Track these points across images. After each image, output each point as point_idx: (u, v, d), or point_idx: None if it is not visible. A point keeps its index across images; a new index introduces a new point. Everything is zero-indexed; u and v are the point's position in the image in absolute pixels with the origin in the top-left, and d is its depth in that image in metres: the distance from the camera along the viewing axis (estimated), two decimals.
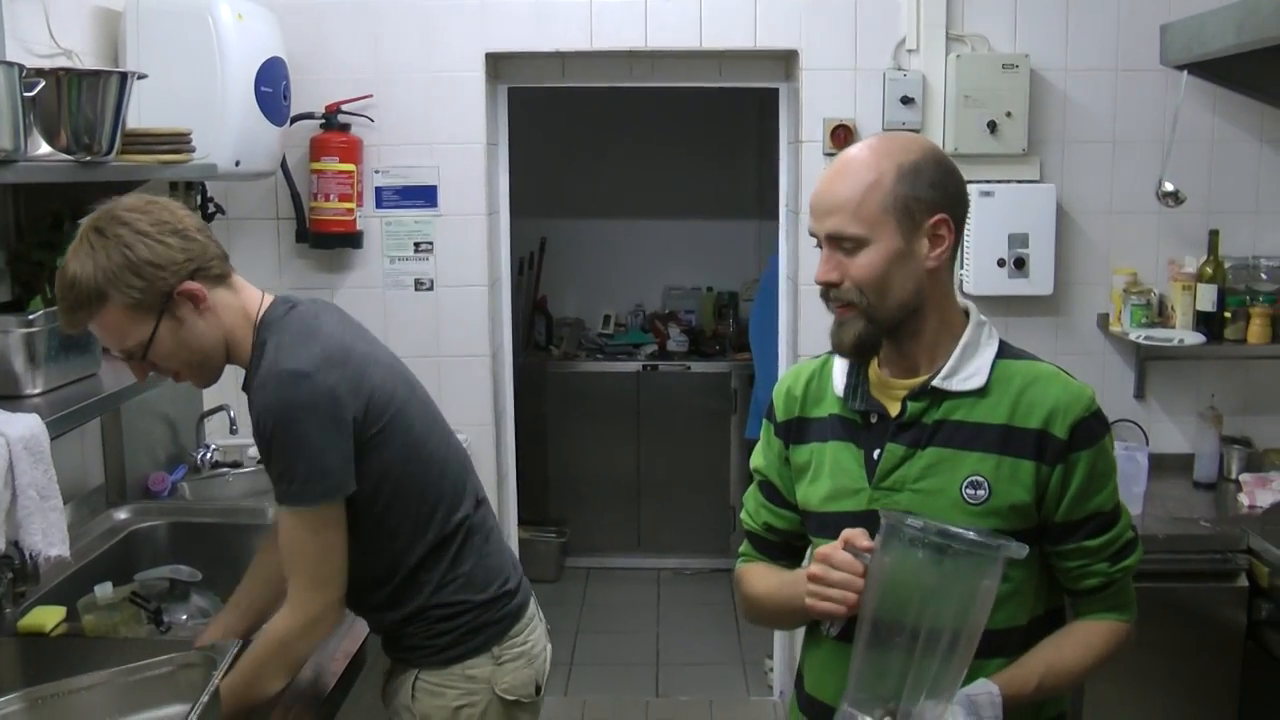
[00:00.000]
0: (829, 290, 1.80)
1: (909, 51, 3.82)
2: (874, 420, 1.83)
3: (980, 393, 1.80)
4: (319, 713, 2.15)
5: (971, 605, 1.63)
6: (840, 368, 1.92)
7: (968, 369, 1.82)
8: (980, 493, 1.76)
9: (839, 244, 1.77)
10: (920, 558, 1.62)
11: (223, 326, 2.05)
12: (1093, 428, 1.78)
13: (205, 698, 1.66)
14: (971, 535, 1.64)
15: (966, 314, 1.88)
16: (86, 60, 3.04)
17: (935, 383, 1.81)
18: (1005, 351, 1.86)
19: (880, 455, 1.82)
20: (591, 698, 4.58)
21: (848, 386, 1.89)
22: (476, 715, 2.23)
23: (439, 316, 3.94)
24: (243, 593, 2.36)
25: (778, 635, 4.37)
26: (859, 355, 1.84)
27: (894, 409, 1.84)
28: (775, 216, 4.28)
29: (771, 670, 4.60)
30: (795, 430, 1.95)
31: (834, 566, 1.73)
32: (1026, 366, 1.83)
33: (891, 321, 1.79)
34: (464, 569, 2.24)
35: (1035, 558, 1.79)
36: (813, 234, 1.82)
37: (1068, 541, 1.80)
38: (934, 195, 1.77)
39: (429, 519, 2.20)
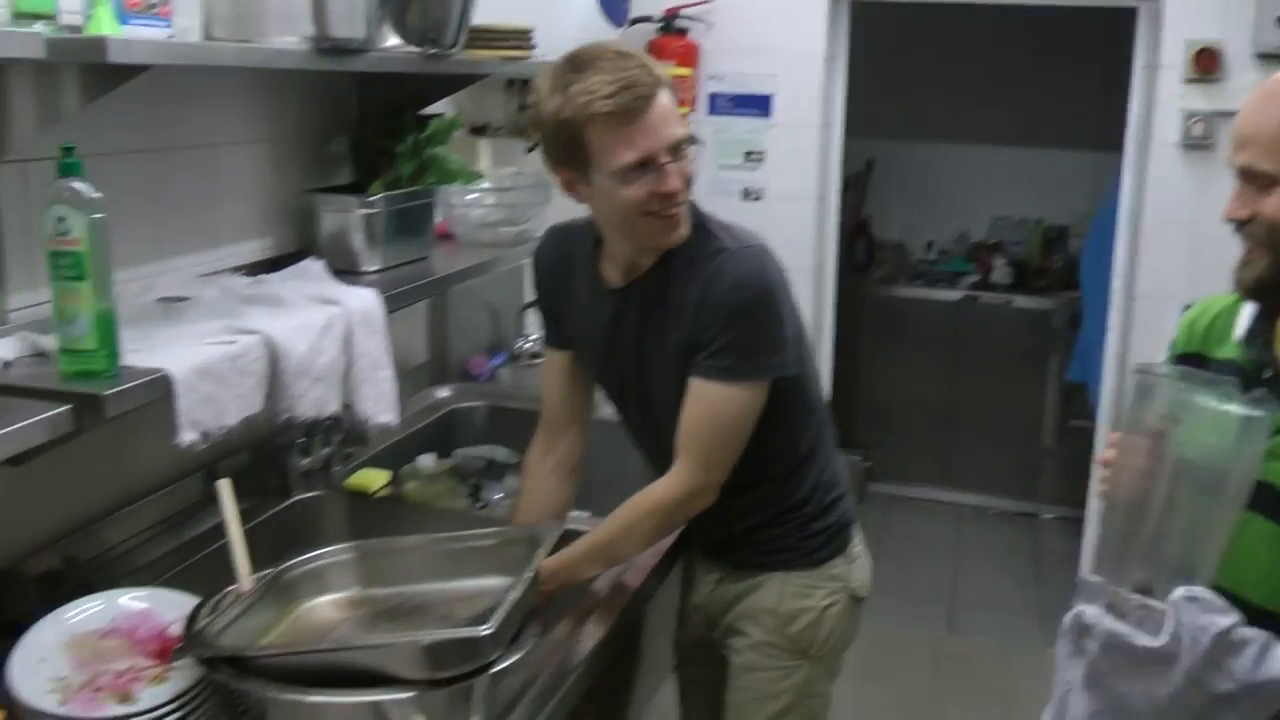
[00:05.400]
0: (1239, 227, 1.64)
1: None
2: (1266, 376, 1.64)
3: None
4: (627, 608, 2.19)
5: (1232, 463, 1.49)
6: (1248, 311, 1.73)
7: None
8: None
9: (1251, 179, 1.60)
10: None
11: None
12: None
13: (529, 574, 1.69)
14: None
15: None
16: None
17: None
18: None
19: None
20: (883, 626, 4.52)
21: (1249, 332, 1.71)
22: (837, 614, 2.26)
23: (764, 228, 3.85)
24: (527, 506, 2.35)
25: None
26: (1256, 297, 1.68)
27: None
28: (1115, 148, 4.02)
29: None
30: (1190, 365, 1.78)
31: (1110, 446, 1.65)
32: None
33: None
34: (836, 462, 2.28)
35: None
36: (1229, 166, 1.65)
37: None
38: None
39: (815, 408, 2.23)
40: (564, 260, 2.26)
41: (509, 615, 1.55)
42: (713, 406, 2.03)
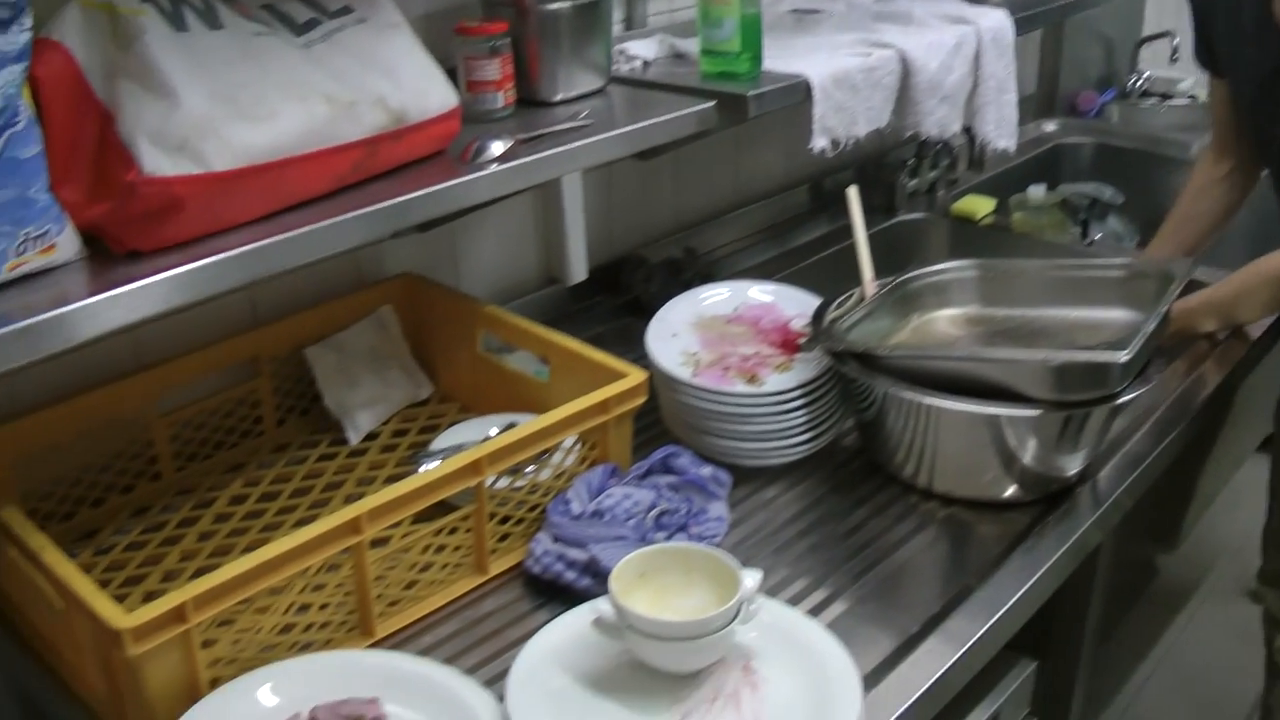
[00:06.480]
0: None
1: None
2: None
3: None
4: (1235, 368, 2.07)
5: None
6: None
7: None
8: None
9: None
10: None
11: None
12: None
13: (1164, 307, 1.61)
14: None
15: None
16: None
17: None
18: None
19: None
20: None
21: None
22: None
23: None
24: (1171, 230, 2.27)
25: None
26: None
27: None
28: None
29: None
30: None
31: None
32: None
33: None
34: None
35: None
36: None
37: None
38: None
39: None
40: None
41: (1143, 346, 1.51)
42: None
